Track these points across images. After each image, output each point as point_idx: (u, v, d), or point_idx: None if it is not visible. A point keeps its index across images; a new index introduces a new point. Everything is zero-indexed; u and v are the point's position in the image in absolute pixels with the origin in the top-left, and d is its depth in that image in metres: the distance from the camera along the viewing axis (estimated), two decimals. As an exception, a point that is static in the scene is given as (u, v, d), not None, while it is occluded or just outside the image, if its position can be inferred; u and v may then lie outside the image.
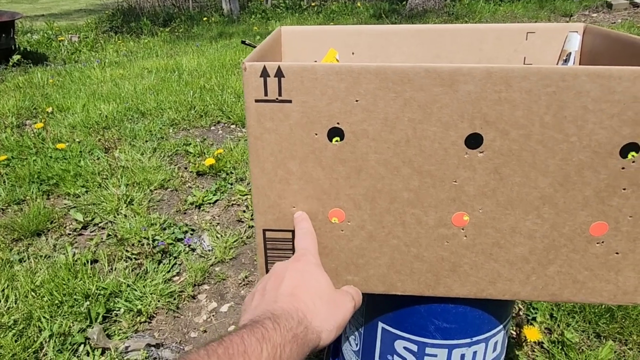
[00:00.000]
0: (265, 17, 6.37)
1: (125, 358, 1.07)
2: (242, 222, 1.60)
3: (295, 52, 0.74)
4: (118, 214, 1.64)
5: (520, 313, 1.05)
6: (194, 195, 1.74)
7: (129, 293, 1.24)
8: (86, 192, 1.81)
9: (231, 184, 1.84)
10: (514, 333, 1.00)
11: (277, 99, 0.45)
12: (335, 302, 0.43)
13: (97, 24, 6.34)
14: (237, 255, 1.44)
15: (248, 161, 0.47)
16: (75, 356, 1.08)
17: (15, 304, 1.22)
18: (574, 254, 0.48)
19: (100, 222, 1.62)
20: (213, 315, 1.21)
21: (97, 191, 1.79)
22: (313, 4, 7.16)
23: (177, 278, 1.34)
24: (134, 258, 1.41)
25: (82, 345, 1.09)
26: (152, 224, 1.55)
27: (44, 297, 1.22)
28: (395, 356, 0.62)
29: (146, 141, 2.27)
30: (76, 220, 1.61)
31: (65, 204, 1.74)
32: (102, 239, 1.53)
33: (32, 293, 1.25)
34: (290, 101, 0.45)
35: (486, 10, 5.55)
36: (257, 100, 0.45)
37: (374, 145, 0.46)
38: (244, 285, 1.31)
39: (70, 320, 1.15)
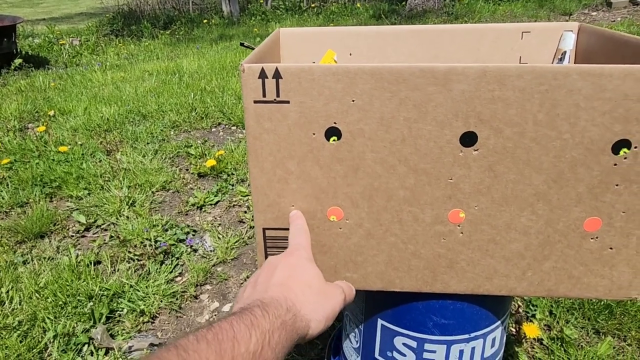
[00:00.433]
0: (265, 19, 6.39)
1: (128, 358, 1.08)
2: (244, 222, 1.61)
3: (293, 54, 0.75)
4: (120, 216, 1.65)
5: (520, 310, 1.06)
6: (196, 197, 1.75)
7: (131, 293, 1.25)
8: (88, 194, 1.82)
9: (232, 185, 1.85)
10: (514, 330, 1.01)
11: (275, 99, 0.46)
12: (325, 293, 0.44)
13: (98, 27, 6.37)
14: (238, 255, 1.44)
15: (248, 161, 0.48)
16: (79, 356, 1.09)
17: (20, 305, 1.23)
18: (569, 250, 0.49)
19: (102, 224, 1.63)
20: (215, 315, 1.22)
21: (99, 193, 1.80)
22: (313, 5, 7.17)
23: (179, 278, 1.35)
24: (137, 259, 1.42)
25: (86, 346, 1.10)
26: (154, 225, 1.56)
27: (47, 298, 1.23)
28: (394, 352, 0.63)
29: (147, 143, 2.29)
30: (79, 222, 1.62)
31: (68, 206, 1.75)
32: (104, 240, 1.54)
33: (36, 294, 1.26)
34: (288, 102, 0.46)
35: (485, 10, 5.56)
36: (255, 101, 0.46)
37: (370, 144, 0.47)
38: (245, 285, 1.32)
39: (74, 321, 1.16)
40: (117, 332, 1.15)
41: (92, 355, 1.08)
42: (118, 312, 1.21)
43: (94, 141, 2.32)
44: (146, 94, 3.03)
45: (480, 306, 0.59)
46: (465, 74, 0.42)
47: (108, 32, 6.07)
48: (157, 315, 1.22)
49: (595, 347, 0.98)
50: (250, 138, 0.48)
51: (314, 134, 0.47)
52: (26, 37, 5.69)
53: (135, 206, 1.70)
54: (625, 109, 0.41)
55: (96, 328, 1.13)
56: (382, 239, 0.52)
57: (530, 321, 1.03)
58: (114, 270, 1.38)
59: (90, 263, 1.38)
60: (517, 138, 0.44)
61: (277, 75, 0.45)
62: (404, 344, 0.62)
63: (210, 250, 1.46)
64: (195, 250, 1.47)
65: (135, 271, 1.36)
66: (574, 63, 0.68)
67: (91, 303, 1.21)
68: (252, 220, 1.58)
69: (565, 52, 0.67)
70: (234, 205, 1.72)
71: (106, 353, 1.09)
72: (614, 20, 4.56)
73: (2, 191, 1.84)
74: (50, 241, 1.54)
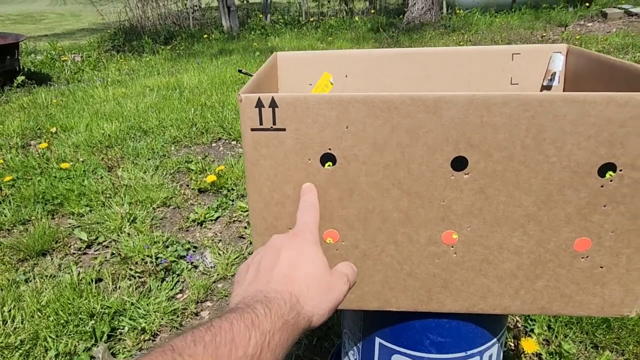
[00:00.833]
0: (264, 33, 6.46)
1: (129, 376, 1.08)
2: (244, 238, 1.62)
3: (291, 77, 0.77)
4: (121, 233, 1.66)
5: (518, 325, 1.06)
6: (196, 213, 1.77)
7: (133, 311, 1.26)
8: (90, 211, 1.83)
9: (232, 201, 1.86)
10: (512, 345, 1.01)
11: (271, 127, 0.48)
12: (329, 286, 0.42)
13: (99, 43, 6.44)
14: (239, 271, 1.45)
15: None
16: (80, 375, 1.09)
17: (22, 324, 1.24)
18: (560, 269, 0.50)
19: (104, 241, 1.64)
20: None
21: (100, 210, 1.81)
22: (311, 19, 7.26)
23: (180, 295, 1.36)
24: (138, 276, 1.42)
25: (87, 364, 1.11)
26: (155, 242, 1.57)
27: (49, 316, 1.24)
28: (392, 371, 0.64)
29: (148, 159, 2.31)
30: (80, 239, 1.64)
31: (69, 224, 1.76)
32: (106, 257, 1.55)
33: (38, 313, 1.26)
34: (284, 129, 0.48)
35: (482, 22, 5.62)
36: (252, 129, 0.48)
37: (364, 168, 0.48)
38: (246, 301, 1.32)
39: (76, 340, 1.17)
40: (119, 350, 1.16)
41: (93, 374, 1.09)
42: (119, 330, 1.22)
43: (96, 157, 2.34)
44: (147, 110, 3.06)
45: (476, 324, 0.60)
46: (454, 102, 0.44)
47: (109, 47, 6.15)
48: (158, 332, 1.22)
49: (595, 361, 0.98)
50: (248, 164, 0.50)
51: (309, 159, 0.49)
52: (29, 54, 5.76)
53: (136, 223, 1.72)
54: (609, 133, 0.43)
55: (97, 347, 1.14)
56: (377, 259, 0.53)
57: (529, 336, 1.03)
58: (115, 287, 1.39)
59: (92, 281, 1.39)
60: (506, 162, 0.46)
61: (273, 104, 0.47)
62: (402, 362, 0.62)
63: (211, 267, 1.47)
64: (196, 267, 1.48)
65: (136, 288, 1.37)
66: (564, 84, 0.70)
67: (92, 321, 1.21)
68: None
69: (554, 73, 0.69)
70: (234, 221, 1.73)
71: (107, 371, 1.10)
72: (609, 32, 4.61)
73: (4, 209, 1.86)
74: (52, 259, 1.55)
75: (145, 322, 1.22)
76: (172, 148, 2.47)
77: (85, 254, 1.60)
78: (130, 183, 2.02)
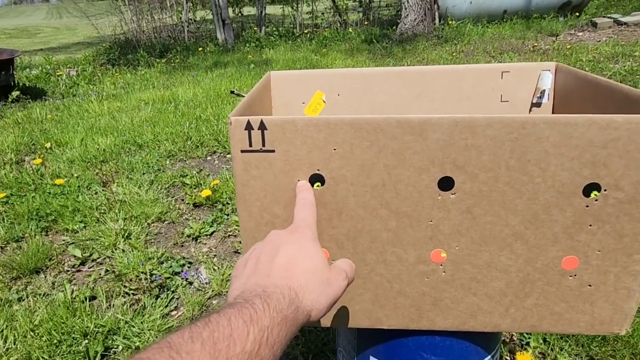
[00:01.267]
0: (259, 46, 6.51)
1: (123, 396, 1.07)
2: (239, 253, 1.62)
3: (284, 96, 0.77)
4: (116, 249, 1.65)
5: (514, 338, 1.06)
6: (191, 228, 1.76)
7: (127, 330, 1.25)
8: (84, 227, 1.83)
9: (227, 215, 1.86)
10: (508, 359, 1.01)
11: (261, 149, 0.48)
12: (328, 281, 0.42)
13: (94, 56, 6.47)
14: (234, 286, 1.45)
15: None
16: (73, 396, 1.08)
17: (14, 344, 1.22)
18: (549, 287, 0.51)
19: (98, 258, 1.63)
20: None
21: (95, 226, 1.81)
22: (306, 31, 7.32)
23: (174, 312, 1.35)
24: (132, 293, 1.42)
25: (81, 384, 1.10)
26: (150, 258, 1.56)
27: (42, 336, 1.23)
28: (386, 389, 0.63)
29: (143, 174, 2.30)
30: (74, 256, 1.63)
31: (63, 240, 1.76)
32: (100, 274, 1.54)
33: (31, 333, 1.25)
34: (273, 151, 0.48)
35: (474, 33, 5.68)
36: (242, 151, 0.49)
37: (352, 189, 0.49)
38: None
39: None
40: (112, 369, 1.15)
41: (86, 394, 1.07)
42: (113, 349, 1.21)
43: (90, 172, 2.34)
44: (142, 124, 3.07)
45: (470, 341, 0.60)
46: (439, 124, 0.44)
47: (105, 61, 6.17)
48: (153, 350, 1.21)
49: (590, 373, 0.98)
50: (238, 185, 0.50)
51: (298, 180, 0.49)
52: (24, 69, 5.77)
53: (130, 239, 1.71)
54: (592, 154, 0.44)
55: (91, 366, 1.13)
56: (367, 278, 0.53)
57: (525, 349, 1.03)
58: (109, 305, 1.38)
59: (86, 299, 1.38)
60: (492, 182, 0.46)
61: (262, 126, 0.47)
62: (395, 381, 0.62)
63: (206, 283, 1.46)
64: (191, 283, 1.47)
65: (130, 306, 1.36)
66: (553, 101, 0.71)
67: (86, 341, 1.20)
68: (247, 250, 1.58)
69: (544, 90, 0.70)
70: (229, 236, 1.73)
71: (101, 391, 1.09)
72: (600, 41, 4.67)
73: (-3, 226, 1.85)
74: (45, 277, 1.54)
75: (140, 341, 1.21)
76: (167, 162, 2.47)
77: (79, 271, 1.59)
78: (124, 198, 2.02)
